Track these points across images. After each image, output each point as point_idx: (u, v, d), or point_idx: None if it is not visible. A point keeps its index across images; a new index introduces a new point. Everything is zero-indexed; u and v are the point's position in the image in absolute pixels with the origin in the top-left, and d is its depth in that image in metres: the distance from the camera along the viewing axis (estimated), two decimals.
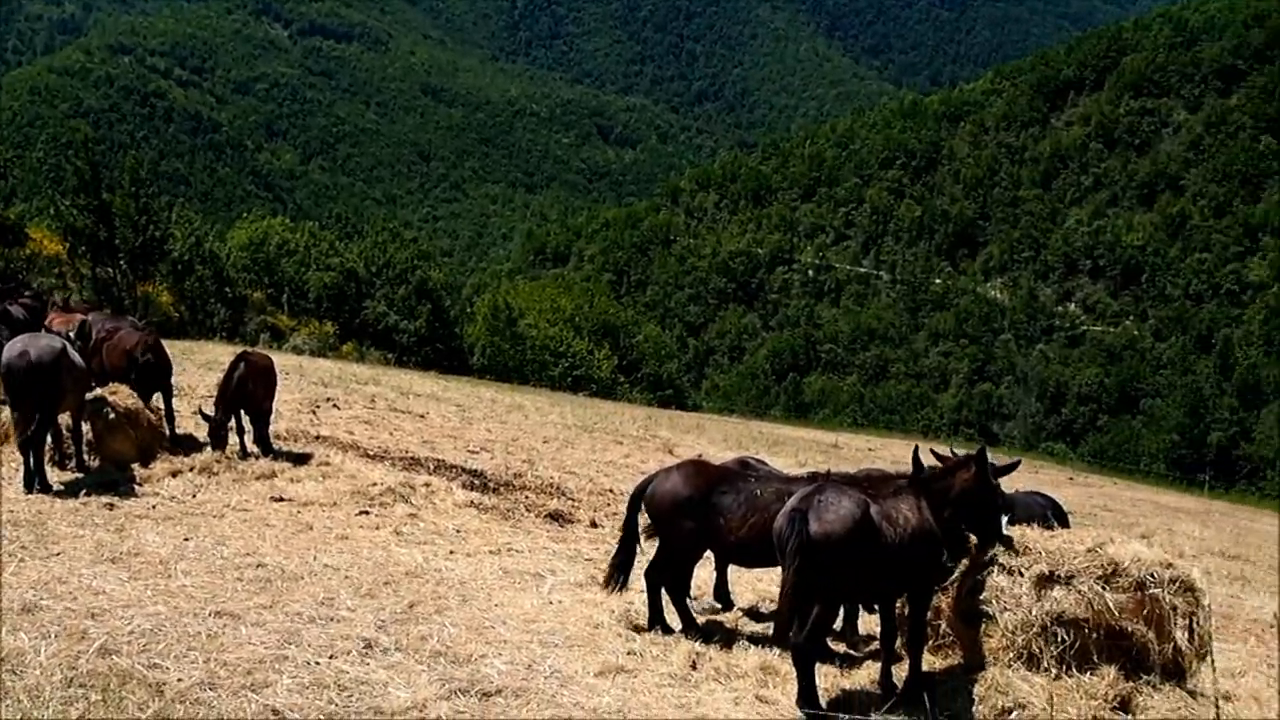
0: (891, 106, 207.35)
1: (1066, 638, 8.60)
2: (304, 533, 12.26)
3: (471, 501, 14.95)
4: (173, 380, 16.67)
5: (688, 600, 10.21)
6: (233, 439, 15.95)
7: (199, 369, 25.26)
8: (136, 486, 13.54)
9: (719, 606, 11.23)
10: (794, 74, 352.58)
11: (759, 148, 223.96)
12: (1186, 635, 8.77)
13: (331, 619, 8.99)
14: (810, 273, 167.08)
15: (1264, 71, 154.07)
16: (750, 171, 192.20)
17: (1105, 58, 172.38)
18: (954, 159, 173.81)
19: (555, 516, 15.10)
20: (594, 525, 15.03)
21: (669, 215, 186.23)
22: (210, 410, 15.77)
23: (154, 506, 12.73)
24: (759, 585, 12.16)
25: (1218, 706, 8.48)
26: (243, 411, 16.02)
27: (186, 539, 11.28)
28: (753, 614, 11.07)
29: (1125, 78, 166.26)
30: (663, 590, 9.90)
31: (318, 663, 7.81)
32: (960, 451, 9.55)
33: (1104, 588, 8.67)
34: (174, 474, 14.35)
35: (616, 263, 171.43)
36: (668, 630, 9.68)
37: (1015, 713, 8.09)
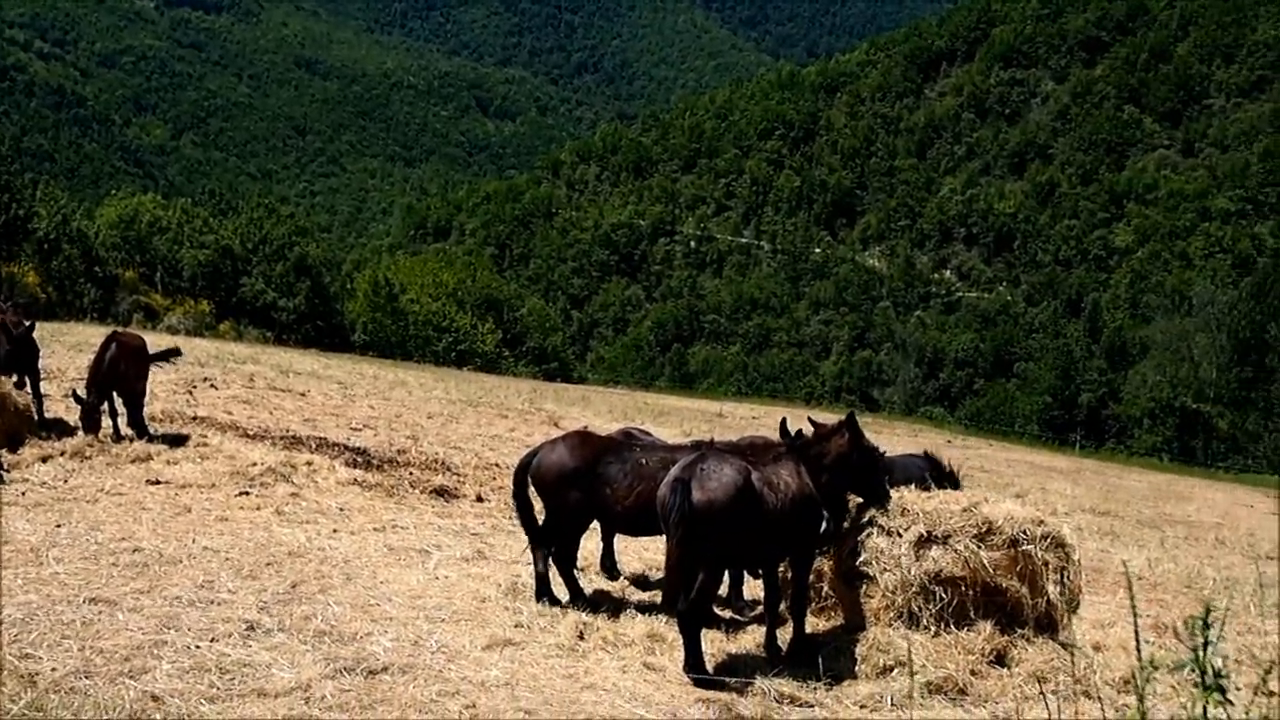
0: (769, 78, 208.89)
1: (944, 596, 8.80)
2: (182, 515, 12.00)
3: (355, 479, 14.78)
4: (41, 363, 16.17)
5: (575, 571, 10.24)
6: (106, 422, 15.52)
7: (69, 351, 24.60)
8: (5, 473, 13.10)
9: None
10: (672, 45, 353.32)
11: (639, 119, 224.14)
12: (1058, 589, 9.05)
13: (212, 602, 8.83)
14: (692, 244, 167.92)
15: (1126, 43, 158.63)
16: (631, 143, 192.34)
17: (975, 29, 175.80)
18: (831, 129, 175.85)
19: (440, 492, 15.00)
20: (480, 500, 14.97)
21: (550, 188, 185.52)
22: (82, 393, 15.33)
23: (24, 493, 12.35)
24: (645, 554, 12.24)
25: (1072, 655, 8.76)
26: (115, 393, 15.60)
27: (59, 525, 10.97)
28: (640, 583, 11.14)
29: (995, 49, 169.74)
30: (550, 562, 9.91)
31: (198, 646, 7.67)
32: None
33: (979, 546, 8.89)
34: (44, 459, 13.92)
35: (498, 236, 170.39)
36: (555, 602, 9.69)
37: (896, 670, 8.26)
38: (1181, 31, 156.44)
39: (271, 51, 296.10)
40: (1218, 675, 3.42)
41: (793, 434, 9.44)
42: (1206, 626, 3.35)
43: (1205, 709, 3.39)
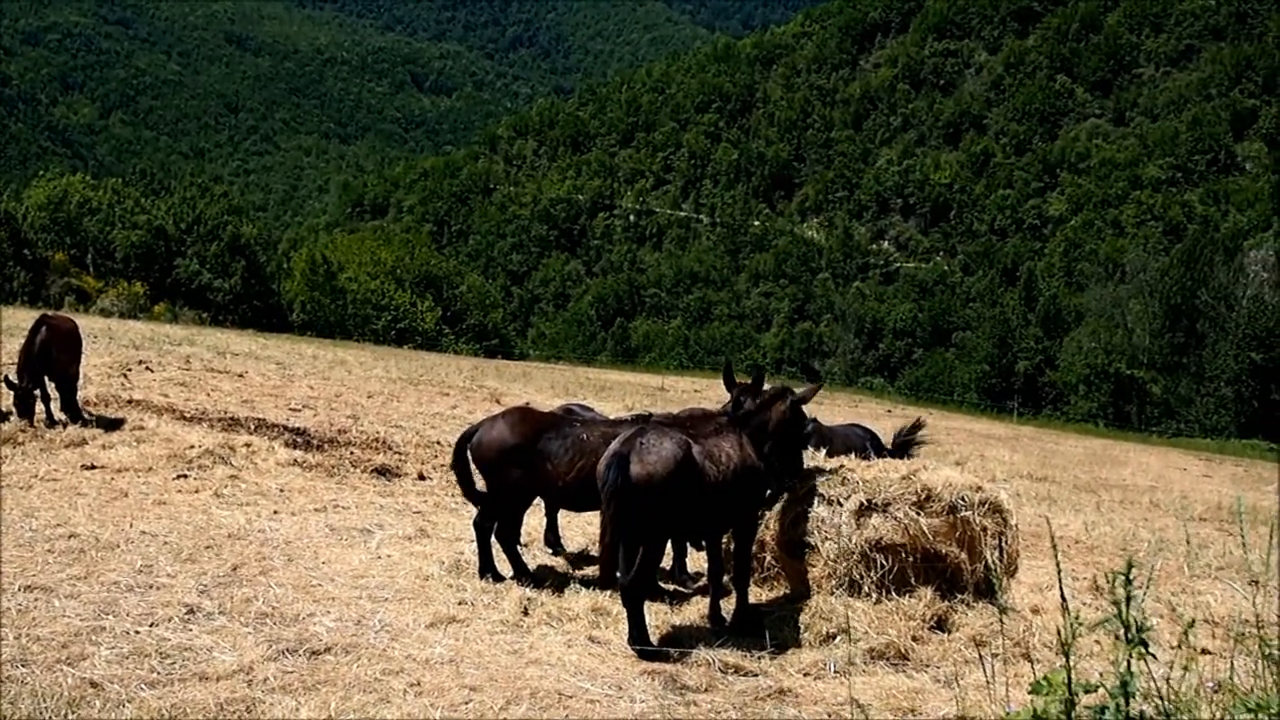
0: (705, 50, 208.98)
1: (885, 563, 8.90)
2: (119, 500, 11.85)
3: (295, 460, 14.67)
4: None
5: (518, 547, 10.25)
6: (39, 407, 15.28)
7: None
8: None
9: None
10: (608, 19, 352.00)
11: (576, 94, 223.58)
12: (997, 554, 9.17)
13: (151, 586, 8.74)
14: (631, 218, 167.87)
15: (1057, 13, 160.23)
16: (568, 118, 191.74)
17: (909, 0, 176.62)
18: (768, 102, 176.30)
19: (382, 471, 14.91)
20: (422, 478, 14.90)
21: (488, 163, 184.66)
22: (14, 378, 15.09)
23: None
24: (589, 530, 12.27)
25: (1010, 619, 8.89)
26: (48, 378, 15.37)
27: None
28: (584, 558, 11.17)
29: (929, 20, 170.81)
30: (493, 538, 9.91)
31: (137, 632, 7.59)
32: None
33: (918, 513, 8.99)
34: None
35: (436, 213, 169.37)
36: (499, 578, 9.68)
37: (839, 637, 8.35)
38: (1111, 1, 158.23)
39: (201, 28, 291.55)
40: (1140, 629, 3.50)
41: (737, 383, 9.54)
42: (1128, 582, 3.42)
43: (1129, 663, 3.47)
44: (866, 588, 8.88)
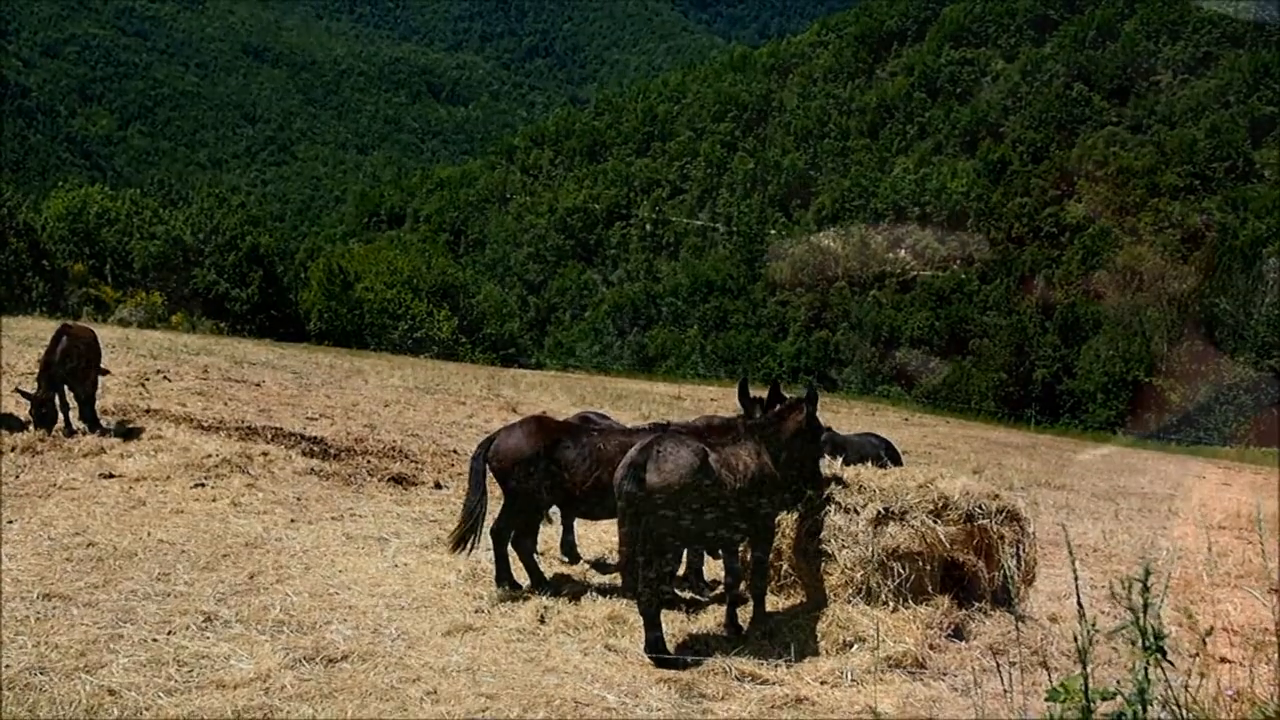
0: (721, 60, 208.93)
1: (902, 571, 8.90)
2: (136, 509, 11.90)
3: (312, 469, 14.71)
4: None
5: (534, 555, 10.25)
6: (58, 416, 15.35)
7: (17, 345, 24.27)
8: None
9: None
10: (623, 28, 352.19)
11: (592, 103, 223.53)
12: (1014, 563, 9.15)
13: (168, 595, 8.77)
14: (648, 227, 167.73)
15: (1074, 21, 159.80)
16: (584, 127, 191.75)
17: (926, 9, 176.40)
18: (784, 111, 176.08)
19: (398, 480, 14.95)
20: (438, 487, 14.93)
21: (504, 173, 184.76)
22: (31, 388, 15.16)
23: None
24: (605, 538, 12.27)
25: (1026, 626, 8.86)
26: (67, 387, 15.44)
27: (10, 521, 10.84)
28: (600, 566, 11.17)
29: (945, 28, 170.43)
30: (509, 547, 9.91)
31: (155, 640, 7.62)
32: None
33: (935, 521, 8.99)
34: None
35: (453, 222, 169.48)
36: (515, 586, 9.70)
37: (856, 645, 8.33)
38: (1128, 9, 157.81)
39: (219, 39, 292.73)
40: (1158, 636, 3.48)
41: (752, 397, 9.54)
42: (1146, 589, 3.41)
43: (1146, 670, 3.46)
44: (883, 596, 8.87)
